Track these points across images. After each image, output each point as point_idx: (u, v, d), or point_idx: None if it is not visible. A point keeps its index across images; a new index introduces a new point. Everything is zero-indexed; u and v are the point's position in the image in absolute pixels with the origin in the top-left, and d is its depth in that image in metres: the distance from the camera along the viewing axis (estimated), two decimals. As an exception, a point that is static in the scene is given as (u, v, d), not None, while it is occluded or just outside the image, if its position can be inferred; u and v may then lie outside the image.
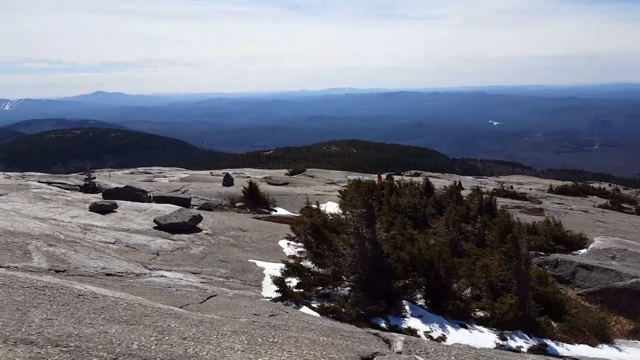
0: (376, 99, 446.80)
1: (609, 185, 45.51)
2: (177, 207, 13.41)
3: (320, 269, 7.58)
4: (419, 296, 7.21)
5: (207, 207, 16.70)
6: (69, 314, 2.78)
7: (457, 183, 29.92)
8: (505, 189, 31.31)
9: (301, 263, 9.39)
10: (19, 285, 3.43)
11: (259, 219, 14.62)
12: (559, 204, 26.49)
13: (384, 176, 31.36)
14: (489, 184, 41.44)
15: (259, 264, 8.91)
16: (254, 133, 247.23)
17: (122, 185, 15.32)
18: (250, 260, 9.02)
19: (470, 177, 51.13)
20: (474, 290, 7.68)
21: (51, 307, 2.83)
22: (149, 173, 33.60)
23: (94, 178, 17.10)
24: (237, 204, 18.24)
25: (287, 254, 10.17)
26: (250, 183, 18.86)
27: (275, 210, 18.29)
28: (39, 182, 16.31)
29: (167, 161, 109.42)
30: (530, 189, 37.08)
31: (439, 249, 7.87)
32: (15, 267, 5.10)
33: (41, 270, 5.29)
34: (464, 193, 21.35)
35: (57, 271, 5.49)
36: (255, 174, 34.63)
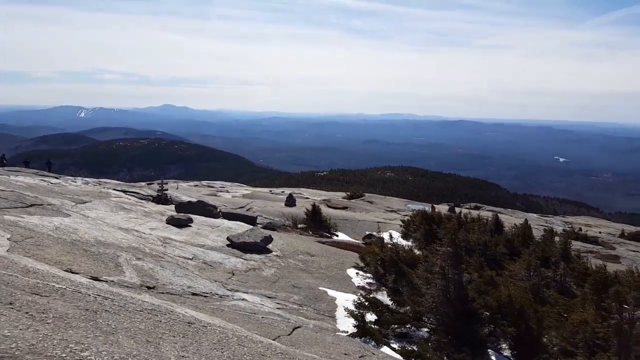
0: (434, 127, 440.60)
1: (688, 235, 41.59)
2: (246, 225, 13.60)
3: (397, 306, 7.27)
4: (504, 346, 6.73)
5: (271, 226, 16.84)
6: (195, 350, 2.73)
7: (526, 221, 28.47)
8: (575, 231, 29.34)
9: (372, 296, 9.12)
10: (132, 308, 3.45)
11: (323, 243, 14.50)
12: (634, 251, 24.58)
13: (438, 207, 30.25)
14: (556, 223, 39.11)
15: (330, 292, 8.73)
16: (309, 153, 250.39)
17: (194, 200, 15.77)
18: (320, 288, 8.86)
19: (535, 215, 48.61)
20: (565, 345, 7.06)
21: (175, 339, 2.80)
22: (212, 187, 34.63)
23: (166, 190, 17.75)
24: (300, 226, 18.27)
25: (356, 284, 9.93)
26: (313, 206, 18.86)
27: (337, 235, 18.13)
28: (115, 190, 17.17)
29: (226, 175, 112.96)
30: (600, 232, 34.62)
31: (525, 296, 7.36)
32: (112, 281, 5.23)
33: (134, 286, 5.40)
34: (534, 233, 20.27)
35: (148, 287, 5.59)
36: (314, 195, 34.79)
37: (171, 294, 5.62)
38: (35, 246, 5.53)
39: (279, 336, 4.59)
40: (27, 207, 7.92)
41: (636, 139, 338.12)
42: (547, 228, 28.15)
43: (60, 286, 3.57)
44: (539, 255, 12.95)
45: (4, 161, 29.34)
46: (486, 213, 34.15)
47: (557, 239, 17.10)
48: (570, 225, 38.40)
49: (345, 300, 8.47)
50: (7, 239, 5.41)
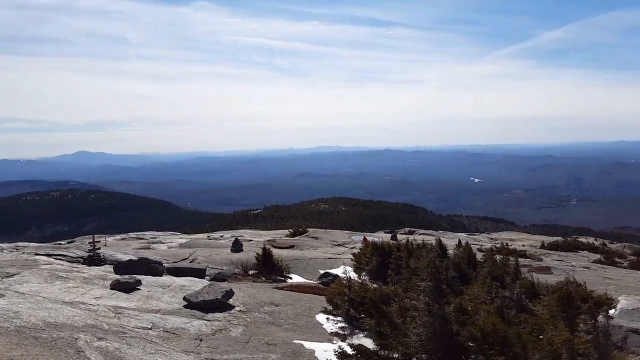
0: (362, 157, 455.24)
1: (595, 240, 45.93)
2: (198, 280, 12.68)
3: (383, 350, 6.96)
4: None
5: (221, 277, 15.91)
6: None
7: (466, 243, 29.61)
8: (505, 247, 31.09)
9: (351, 342, 8.73)
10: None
11: (281, 288, 13.87)
12: (559, 260, 26.32)
13: (370, 238, 29.82)
14: (483, 241, 41.14)
15: (306, 345, 8.21)
16: (240, 191, 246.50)
17: (135, 257, 14.52)
18: (295, 341, 8.32)
19: (464, 234, 50.90)
20: None
21: None
22: (143, 239, 32.42)
23: (99, 249, 16.25)
24: (251, 272, 17.44)
25: (329, 330, 9.49)
26: (264, 249, 18.18)
27: (291, 278, 17.52)
28: (38, 254, 15.40)
29: (151, 223, 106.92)
30: (523, 245, 36.91)
31: (498, 321, 7.38)
32: (80, 374, 4.44)
33: (106, 376, 4.62)
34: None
35: (120, 375, 4.82)
36: (255, 236, 33.77)
37: (149, 379, 4.88)
38: (-26, 344, 4.58)
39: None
40: (-52, 291, 6.69)
41: (537, 157, 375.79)
42: (483, 247, 29.54)
43: None
44: (494, 276, 13.34)
45: None
46: (421, 237, 35.22)
47: (498, 257, 17.84)
48: (494, 241, 40.70)
49: (324, 351, 8.00)
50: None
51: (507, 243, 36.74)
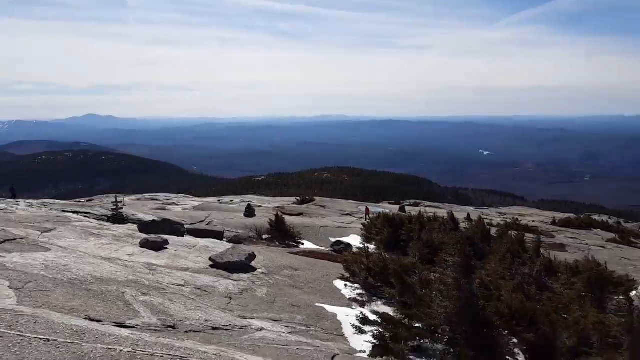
0: (366, 127, 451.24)
1: (609, 218, 45.75)
2: (219, 242, 13.16)
3: (407, 320, 7.34)
4: (516, 350, 6.99)
5: (237, 239, 16.41)
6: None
7: (468, 216, 29.95)
8: (516, 222, 31.18)
9: (372, 309, 9.18)
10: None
11: (296, 253, 14.33)
12: (572, 238, 26.29)
13: (371, 208, 29.85)
14: (492, 215, 41.23)
15: (328, 308, 8.65)
16: (244, 158, 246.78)
17: (158, 219, 14.97)
18: (317, 305, 8.76)
19: (471, 208, 51.11)
20: (579, 347, 7.38)
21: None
22: (157, 200, 33.08)
23: (121, 208, 16.72)
24: (264, 237, 17.95)
25: (347, 296, 9.93)
26: (277, 215, 18.61)
27: (302, 244, 18.01)
28: (66, 212, 15.89)
29: (158, 185, 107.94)
30: (534, 221, 36.74)
31: (520, 296, 7.70)
32: (137, 325, 4.84)
33: (158, 328, 5.03)
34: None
35: (169, 327, 5.23)
36: (263, 202, 34.32)
37: (195, 331, 5.30)
38: (39, 292, 4.98)
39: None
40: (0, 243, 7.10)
41: (551, 130, 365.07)
42: (493, 222, 29.73)
43: (104, 348, 3.26)
44: (514, 252, 13.56)
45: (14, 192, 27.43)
46: (427, 209, 35.50)
47: (512, 233, 18.14)
48: (505, 216, 40.85)
49: (345, 315, 8.43)
50: (8, 286, 4.82)
51: (517, 218, 36.65)
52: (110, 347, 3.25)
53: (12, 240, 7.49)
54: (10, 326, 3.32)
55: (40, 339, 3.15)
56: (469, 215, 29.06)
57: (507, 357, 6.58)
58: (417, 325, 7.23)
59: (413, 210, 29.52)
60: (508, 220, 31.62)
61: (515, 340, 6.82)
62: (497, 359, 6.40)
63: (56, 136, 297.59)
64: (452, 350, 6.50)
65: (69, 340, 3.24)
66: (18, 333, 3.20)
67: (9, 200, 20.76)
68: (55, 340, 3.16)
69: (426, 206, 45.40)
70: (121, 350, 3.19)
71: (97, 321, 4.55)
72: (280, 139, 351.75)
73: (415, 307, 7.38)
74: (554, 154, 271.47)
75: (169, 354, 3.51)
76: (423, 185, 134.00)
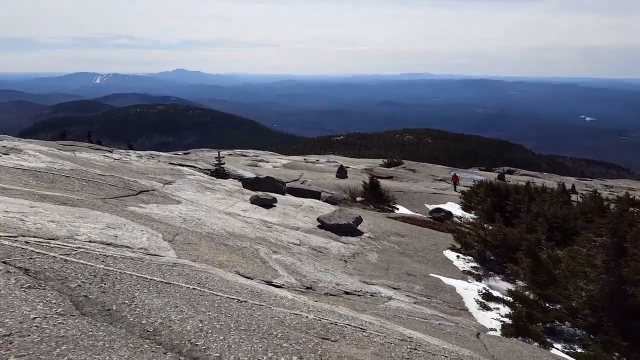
0: (454, 86, 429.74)
1: None
2: (321, 203, 13.19)
3: (541, 300, 6.81)
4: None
5: (332, 200, 16.43)
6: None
7: (573, 187, 27.68)
8: (629, 198, 28.19)
9: (485, 283, 8.70)
10: (383, 340, 3.02)
11: (394, 218, 14.06)
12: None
13: (460, 175, 28.56)
14: (597, 188, 37.84)
15: (444, 280, 8.33)
16: (324, 116, 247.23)
17: (262, 175, 15.32)
18: (432, 275, 8.46)
19: (573, 179, 47.21)
20: None
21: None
22: (246, 156, 34.16)
23: (223, 164, 17.34)
24: (358, 199, 17.83)
25: (460, 268, 9.51)
26: (372, 179, 18.36)
27: (397, 208, 17.68)
28: (172, 164, 16.78)
29: (241, 141, 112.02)
30: (648, 197, 33.20)
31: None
32: (282, 285, 4.84)
33: (299, 288, 5.01)
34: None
35: (307, 287, 5.20)
36: (350, 163, 34.16)
37: (331, 295, 5.23)
38: (188, 245, 5.13)
39: (477, 348, 4.18)
40: (136, 194, 7.52)
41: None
42: (601, 196, 27.16)
43: (292, 314, 3.16)
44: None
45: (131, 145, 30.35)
46: (524, 177, 33.21)
47: (635, 210, 16.37)
48: (612, 189, 37.17)
49: (464, 289, 8.06)
50: (162, 239, 5.00)
51: (628, 193, 33.22)
52: (296, 313, 3.17)
53: (145, 191, 7.91)
54: (199, 283, 3.35)
55: (232, 299, 3.13)
56: (573, 186, 26.83)
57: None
58: (548, 306, 6.70)
59: (511, 179, 27.82)
60: (619, 195, 28.69)
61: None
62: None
63: (148, 89, 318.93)
64: (593, 337, 5.93)
65: (256, 302, 3.21)
66: (211, 292, 3.21)
67: (121, 150, 22.44)
68: (245, 301, 3.13)
69: (522, 174, 42.78)
70: (307, 317, 3.09)
71: (249, 278, 4.59)
72: (361, 97, 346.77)
73: (550, 287, 6.81)
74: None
75: (347, 324, 3.37)
76: (515, 151, 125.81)
